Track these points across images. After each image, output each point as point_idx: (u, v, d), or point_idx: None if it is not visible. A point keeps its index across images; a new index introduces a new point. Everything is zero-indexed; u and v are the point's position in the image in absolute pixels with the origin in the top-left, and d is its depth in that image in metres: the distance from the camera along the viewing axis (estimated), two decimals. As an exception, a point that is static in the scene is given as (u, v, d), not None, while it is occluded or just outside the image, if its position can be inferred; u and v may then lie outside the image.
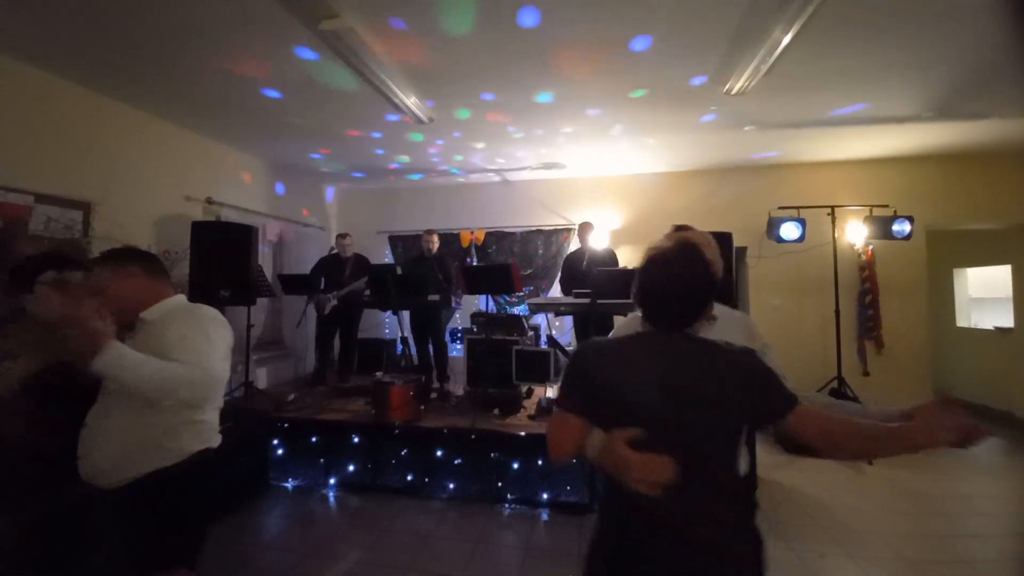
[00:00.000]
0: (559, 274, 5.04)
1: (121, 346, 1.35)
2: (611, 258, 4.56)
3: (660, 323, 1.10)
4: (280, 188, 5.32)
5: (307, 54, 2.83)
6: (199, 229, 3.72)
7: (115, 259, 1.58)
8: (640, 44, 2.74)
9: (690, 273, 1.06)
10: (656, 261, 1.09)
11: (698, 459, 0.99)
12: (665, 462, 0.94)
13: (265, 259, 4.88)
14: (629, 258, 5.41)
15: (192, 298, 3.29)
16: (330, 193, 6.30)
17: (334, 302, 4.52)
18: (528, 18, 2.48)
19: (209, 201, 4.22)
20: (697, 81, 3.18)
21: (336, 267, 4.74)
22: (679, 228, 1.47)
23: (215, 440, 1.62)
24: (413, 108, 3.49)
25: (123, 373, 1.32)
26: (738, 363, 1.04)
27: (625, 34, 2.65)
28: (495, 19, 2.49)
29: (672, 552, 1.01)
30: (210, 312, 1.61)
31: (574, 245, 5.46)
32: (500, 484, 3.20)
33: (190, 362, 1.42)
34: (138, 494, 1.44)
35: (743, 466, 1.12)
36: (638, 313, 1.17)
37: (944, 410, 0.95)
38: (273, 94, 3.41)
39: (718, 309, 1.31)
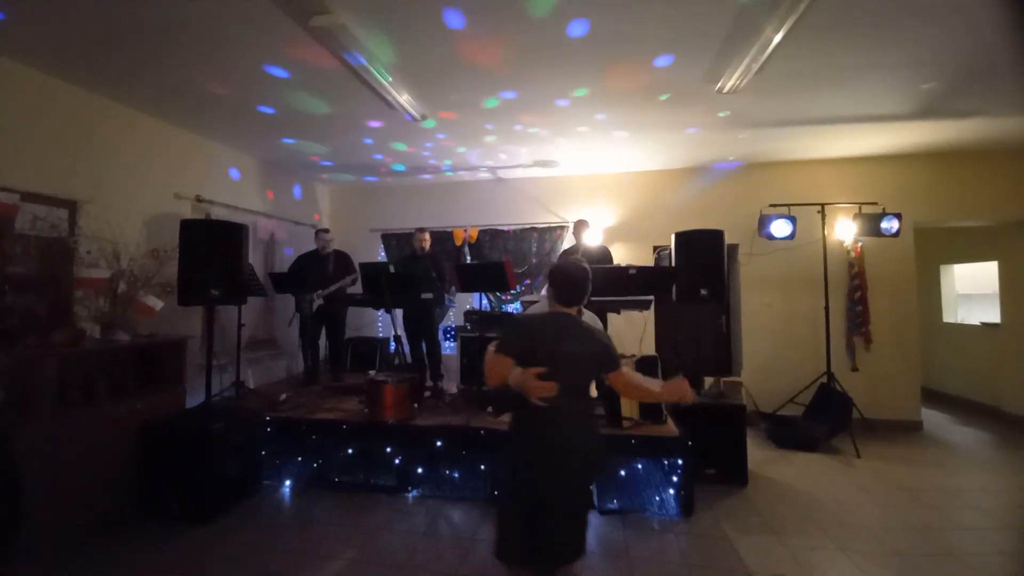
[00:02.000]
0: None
1: None
2: (605, 255, 4.57)
3: (567, 305, 1.83)
4: (271, 186, 5.27)
5: (298, 52, 2.80)
6: (188, 227, 3.66)
7: None
8: (662, 58, 2.87)
9: (584, 278, 1.83)
10: (572, 269, 1.84)
11: (572, 389, 1.72)
12: (553, 385, 1.63)
13: (256, 258, 4.83)
14: (623, 256, 5.43)
15: (182, 298, 3.28)
16: (323, 191, 6.26)
17: (320, 301, 4.48)
18: (541, 7, 2.45)
19: (199, 199, 4.17)
20: (689, 76, 3.18)
21: (318, 264, 4.68)
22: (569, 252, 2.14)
23: None
24: (406, 105, 3.47)
25: None
26: (595, 337, 1.79)
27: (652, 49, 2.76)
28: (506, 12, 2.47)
29: (560, 452, 1.69)
30: None
31: (568, 242, 5.47)
32: (494, 482, 3.20)
33: None
34: None
35: (593, 393, 1.91)
36: (543, 302, 2.06)
37: (680, 382, 1.79)
38: (264, 96, 3.38)
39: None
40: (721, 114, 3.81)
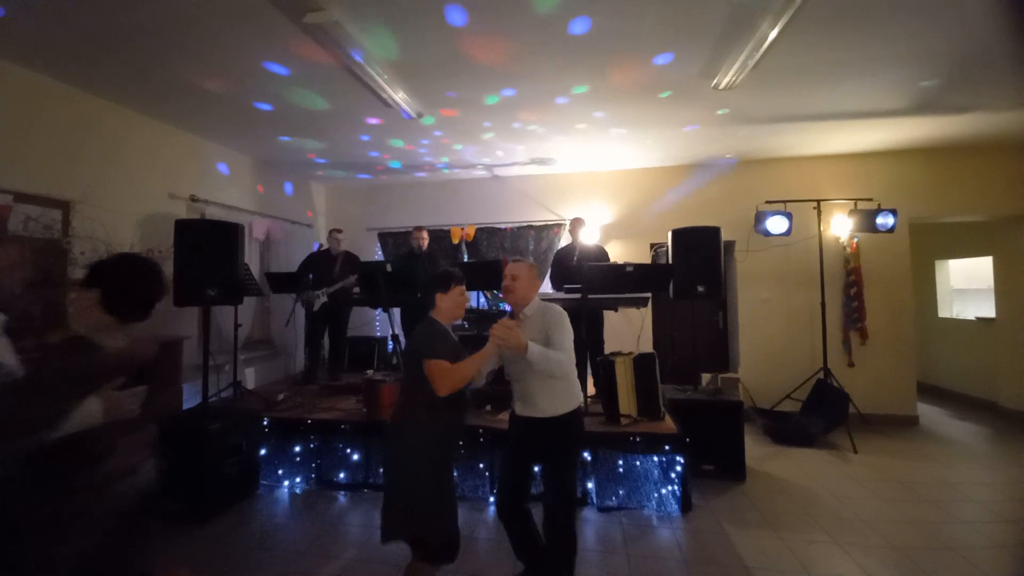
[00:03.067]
0: (549, 269, 5.03)
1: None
2: (601, 254, 4.57)
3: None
4: (267, 185, 5.25)
5: (293, 50, 2.78)
6: (183, 227, 3.64)
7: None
8: (660, 55, 2.87)
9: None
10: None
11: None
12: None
13: (252, 257, 4.81)
14: (619, 253, 5.44)
15: (178, 298, 3.27)
16: (319, 190, 6.23)
17: (324, 299, 4.48)
18: (544, 4, 2.45)
19: (193, 199, 4.15)
20: (686, 72, 3.17)
21: (325, 263, 4.69)
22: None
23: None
24: (402, 103, 3.46)
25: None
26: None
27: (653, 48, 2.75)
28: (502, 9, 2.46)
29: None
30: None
31: (564, 240, 5.47)
32: (493, 479, 3.21)
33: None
34: None
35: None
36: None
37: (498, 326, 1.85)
38: (260, 94, 3.36)
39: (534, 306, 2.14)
40: (719, 111, 3.80)
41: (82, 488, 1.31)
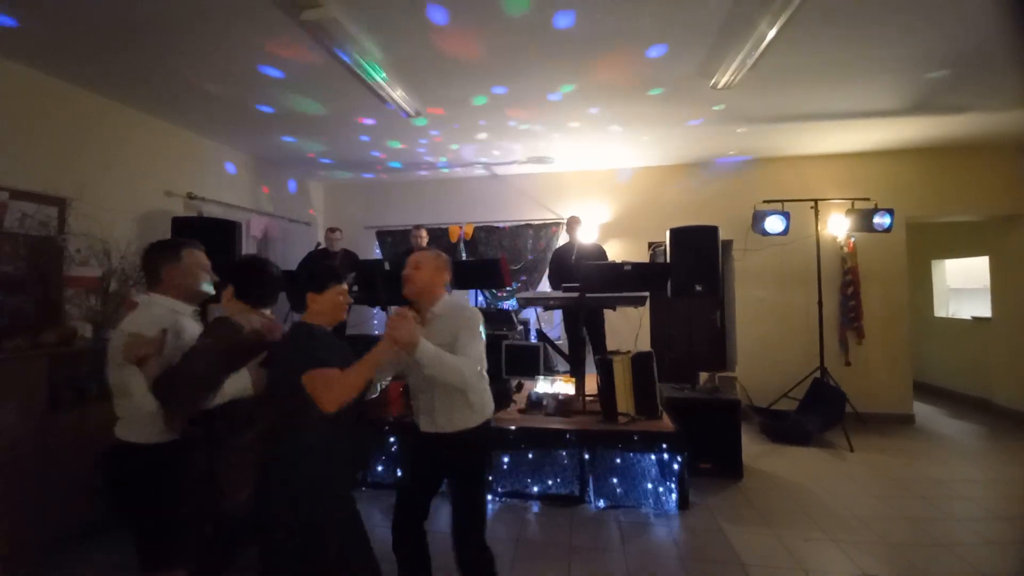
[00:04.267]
0: (548, 269, 5.04)
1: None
2: (600, 253, 4.58)
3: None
4: (265, 183, 5.23)
5: (291, 47, 2.77)
6: (180, 225, 3.64)
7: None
8: (656, 52, 2.82)
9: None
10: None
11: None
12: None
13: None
14: (617, 252, 5.44)
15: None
16: (317, 188, 6.22)
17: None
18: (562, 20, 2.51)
19: (190, 196, 4.13)
20: (683, 71, 3.18)
21: (324, 261, 4.69)
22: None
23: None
24: (400, 102, 3.45)
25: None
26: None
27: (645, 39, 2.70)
28: (476, 10, 2.46)
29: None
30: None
31: (563, 239, 5.47)
32: (490, 478, 3.21)
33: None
34: None
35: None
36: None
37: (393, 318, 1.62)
38: (257, 96, 3.35)
39: (443, 303, 1.93)
40: (715, 108, 3.80)
41: (237, 448, 1.64)
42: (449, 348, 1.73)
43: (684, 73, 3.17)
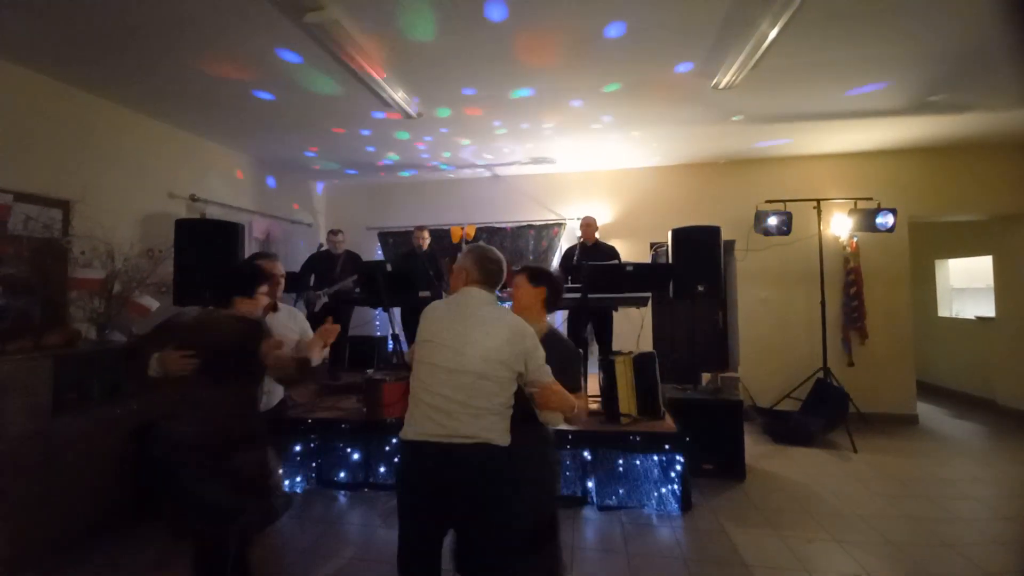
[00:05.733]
0: (559, 268, 5.02)
1: None
2: (613, 253, 4.55)
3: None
4: (267, 184, 5.25)
5: (294, 49, 2.78)
6: (183, 227, 3.65)
7: None
8: (615, 31, 2.68)
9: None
10: None
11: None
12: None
13: (252, 257, 4.81)
14: (620, 252, 5.42)
15: (178, 298, 3.26)
16: (319, 189, 6.23)
17: (325, 299, 4.48)
18: (496, 12, 2.46)
19: (193, 198, 4.15)
20: (683, 68, 3.16)
21: (327, 264, 4.69)
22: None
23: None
24: (401, 103, 3.46)
25: None
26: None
27: (600, 23, 2.61)
28: (462, 14, 2.46)
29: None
30: None
31: (567, 240, 5.47)
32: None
33: None
34: None
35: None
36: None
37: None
38: (260, 93, 3.36)
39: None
40: (718, 110, 3.80)
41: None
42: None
43: (685, 73, 3.16)
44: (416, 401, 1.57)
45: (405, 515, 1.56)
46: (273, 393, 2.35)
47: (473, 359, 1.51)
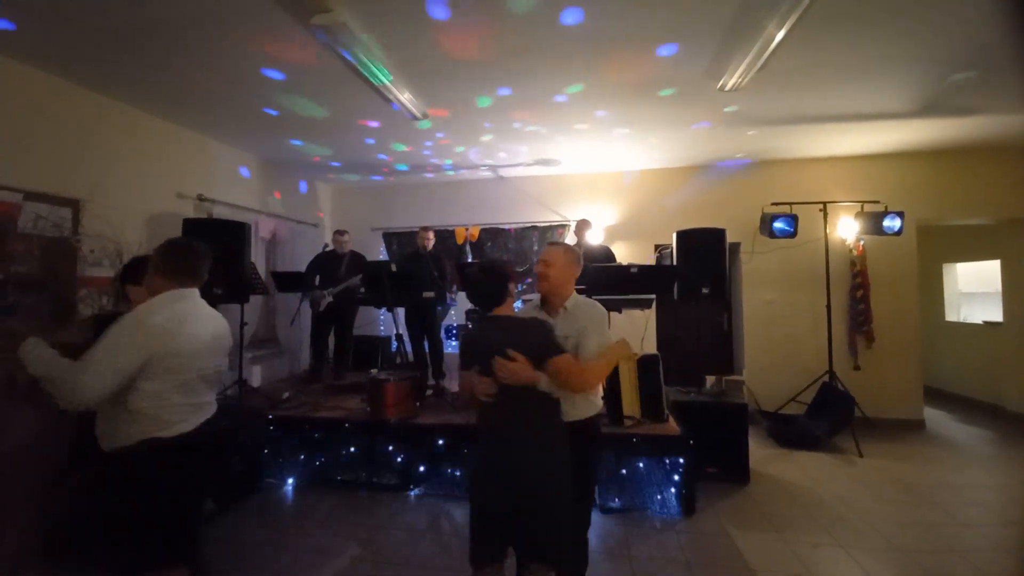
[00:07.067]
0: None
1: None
2: (607, 255, 4.57)
3: (483, 308, 1.85)
4: (274, 185, 5.28)
5: (299, 50, 2.80)
6: (191, 226, 3.69)
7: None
8: (664, 52, 2.81)
9: (482, 282, 1.81)
10: (470, 278, 1.94)
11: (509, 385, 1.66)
12: (488, 381, 1.67)
13: (258, 256, 4.84)
14: (623, 254, 5.43)
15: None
16: (325, 189, 6.27)
17: (329, 299, 4.50)
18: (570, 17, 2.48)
19: (200, 198, 4.18)
20: (692, 72, 3.17)
21: (332, 264, 4.72)
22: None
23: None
24: (408, 104, 3.47)
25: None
26: (528, 328, 1.75)
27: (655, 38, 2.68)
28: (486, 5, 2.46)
29: (496, 444, 1.70)
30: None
31: (569, 241, 5.47)
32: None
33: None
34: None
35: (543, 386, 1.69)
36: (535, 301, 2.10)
37: (619, 343, 1.87)
38: (263, 99, 3.39)
39: (575, 299, 1.99)
40: (726, 109, 3.78)
41: None
42: (575, 339, 1.86)
43: (691, 75, 3.16)
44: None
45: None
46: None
47: None
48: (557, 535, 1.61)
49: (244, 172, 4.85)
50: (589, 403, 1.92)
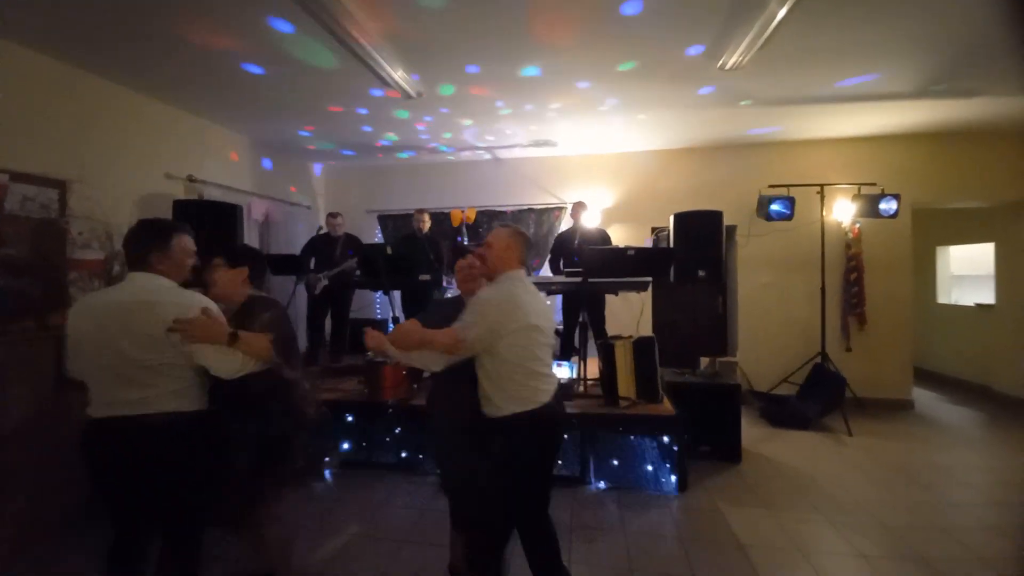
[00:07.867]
0: (549, 254, 5.03)
1: None
2: (603, 237, 4.56)
3: None
4: (266, 165, 5.19)
5: (286, 18, 2.72)
6: (181, 208, 3.63)
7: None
8: (631, 9, 2.61)
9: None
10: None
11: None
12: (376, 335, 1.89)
13: (252, 239, 4.79)
14: (620, 237, 5.41)
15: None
16: (318, 171, 6.17)
17: (325, 282, 4.48)
18: None
19: (191, 179, 4.10)
20: (692, 52, 3.10)
21: (327, 246, 4.68)
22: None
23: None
24: (400, 82, 3.39)
25: None
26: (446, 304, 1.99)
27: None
28: None
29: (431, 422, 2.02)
30: None
31: (565, 224, 5.44)
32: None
33: None
34: None
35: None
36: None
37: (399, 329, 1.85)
38: (254, 68, 3.29)
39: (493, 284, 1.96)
40: (723, 92, 3.73)
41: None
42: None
43: (690, 54, 3.10)
44: (535, 375, 1.79)
45: (545, 475, 1.88)
46: None
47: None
48: (464, 507, 1.94)
49: (235, 153, 4.75)
50: (510, 400, 1.78)
